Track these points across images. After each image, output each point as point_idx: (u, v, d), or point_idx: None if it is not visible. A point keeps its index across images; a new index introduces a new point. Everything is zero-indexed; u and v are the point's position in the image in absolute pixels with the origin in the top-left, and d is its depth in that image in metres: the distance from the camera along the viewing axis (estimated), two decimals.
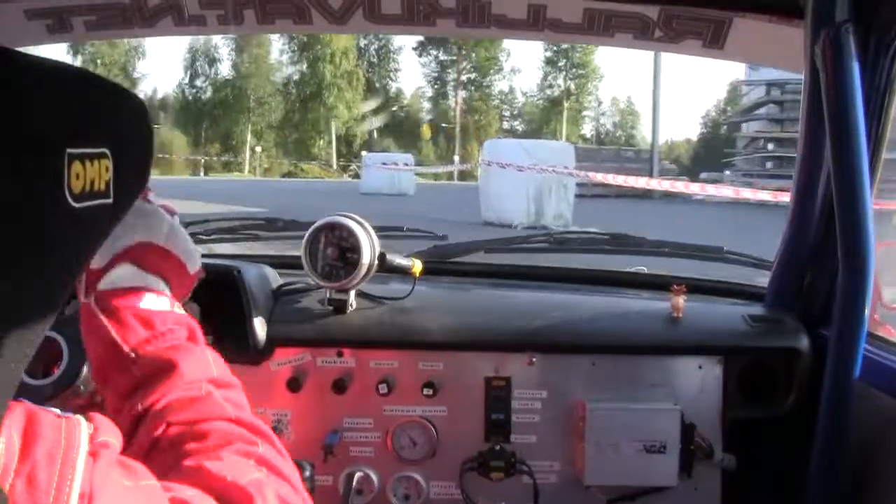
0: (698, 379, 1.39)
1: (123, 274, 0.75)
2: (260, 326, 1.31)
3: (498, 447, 1.36)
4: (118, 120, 0.53)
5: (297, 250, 1.35)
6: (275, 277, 1.43)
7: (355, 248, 1.31)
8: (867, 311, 1.19)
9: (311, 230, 1.34)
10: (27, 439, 0.48)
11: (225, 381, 0.78)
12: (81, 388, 0.93)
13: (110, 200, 0.50)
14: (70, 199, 0.46)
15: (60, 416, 0.51)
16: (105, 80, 0.53)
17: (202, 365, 0.76)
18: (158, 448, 0.68)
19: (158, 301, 0.77)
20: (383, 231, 1.47)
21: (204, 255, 1.49)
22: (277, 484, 0.66)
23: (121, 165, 0.51)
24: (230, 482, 0.61)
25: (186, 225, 1.64)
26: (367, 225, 1.34)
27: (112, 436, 0.53)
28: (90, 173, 0.47)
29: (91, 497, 0.48)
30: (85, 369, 0.93)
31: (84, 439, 0.50)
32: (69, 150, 0.46)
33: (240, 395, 0.78)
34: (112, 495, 0.50)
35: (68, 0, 1.43)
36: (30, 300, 0.46)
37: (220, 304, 1.30)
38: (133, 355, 0.73)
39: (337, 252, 1.32)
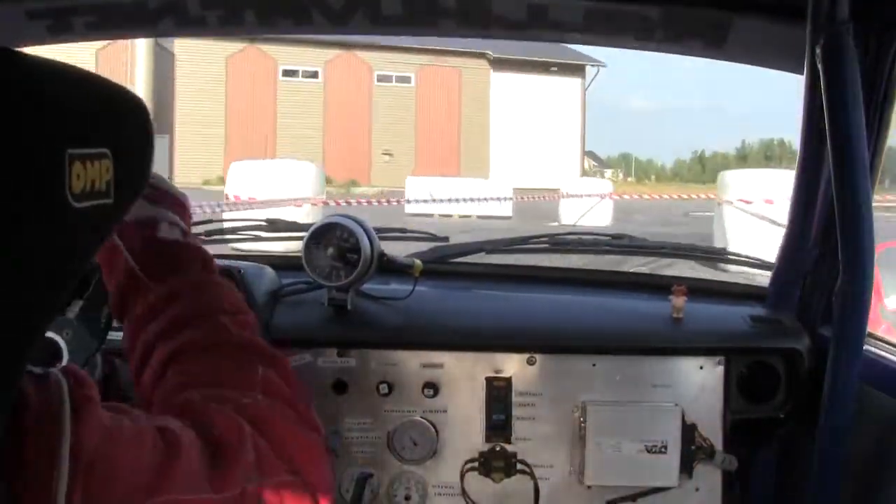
0: (699, 379, 1.39)
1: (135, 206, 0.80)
2: (260, 327, 1.31)
3: (498, 447, 1.36)
4: (119, 121, 0.54)
5: (298, 251, 1.35)
6: (275, 278, 1.43)
7: (355, 248, 1.31)
8: (868, 312, 1.19)
9: (311, 230, 1.34)
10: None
11: (236, 309, 0.84)
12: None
13: (111, 201, 0.51)
14: (71, 199, 0.46)
15: (38, 373, 0.53)
16: (106, 80, 0.53)
17: (215, 296, 0.82)
18: (163, 382, 0.74)
19: (171, 231, 0.83)
20: (384, 232, 1.47)
21: None
22: (276, 408, 0.71)
23: (121, 166, 0.51)
24: (215, 412, 0.67)
25: None
26: (367, 225, 1.34)
27: (90, 388, 0.56)
28: (91, 173, 0.48)
29: (80, 450, 0.51)
30: (83, 368, 0.92)
31: (66, 395, 0.53)
32: (70, 151, 0.46)
33: (250, 319, 0.85)
34: (102, 441, 0.54)
35: (69, 0, 1.42)
36: (29, 299, 0.47)
37: None
38: (150, 284, 0.79)
39: (337, 252, 1.32)
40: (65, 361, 0.91)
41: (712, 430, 1.39)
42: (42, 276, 0.47)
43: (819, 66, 1.20)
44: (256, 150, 20.30)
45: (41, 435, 0.51)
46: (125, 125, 0.55)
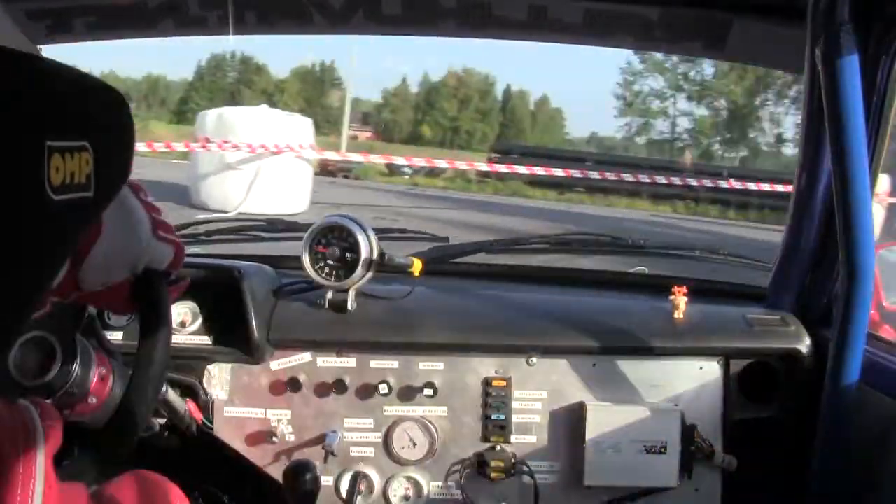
0: (699, 380, 1.39)
1: None
2: (260, 326, 1.31)
3: (498, 447, 1.36)
4: (98, 114, 0.53)
5: (298, 251, 1.35)
6: (275, 278, 1.43)
7: (355, 248, 1.32)
8: (868, 312, 1.19)
9: (311, 230, 1.34)
10: None
11: None
12: (75, 389, 0.92)
13: (91, 193, 0.50)
14: (50, 192, 0.46)
15: (6, 401, 0.53)
16: (85, 74, 0.53)
17: None
18: None
19: None
20: (384, 232, 1.47)
21: (205, 256, 1.50)
22: None
23: (102, 159, 0.51)
24: None
25: (187, 226, 1.65)
26: (366, 225, 1.35)
27: (55, 419, 0.57)
28: (70, 166, 0.48)
29: (53, 475, 0.51)
30: (78, 369, 0.92)
31: (38, 421, 0.53)
32: (48, 143, 0.46)
33: None
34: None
35: (69, 1, 1.43)
36: (9, 291, 0.46)
37: (220, 304, 1.31)
38: None
39: (337, 252, 1.32)
40: (58, 361, 0.91)
41: (712, 430, 1.38)
42: (19, 270, 0.47)
43: (819, 67, 1.20)
44: None
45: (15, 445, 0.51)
46: (105, 118, 0.54)
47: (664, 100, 30.22)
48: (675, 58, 28.99)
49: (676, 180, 14.13)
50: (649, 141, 30.84)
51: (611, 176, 11.82)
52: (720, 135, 29.54)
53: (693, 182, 15.26)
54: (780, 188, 10.77)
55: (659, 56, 29.58)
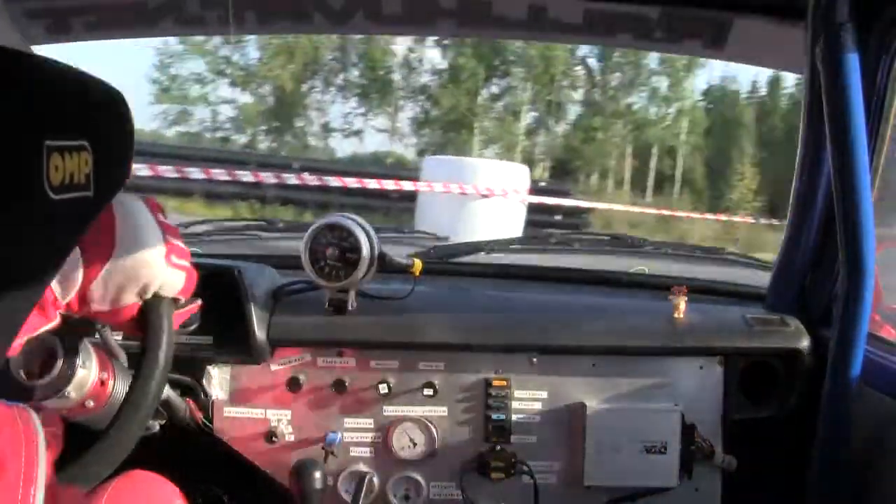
0: (699, 380, 1.39)
1: None
2: (260, 326, 1.31)
3: (498, 447, 1.36)
4: (98, 114, 0.53)
5: (298, 251, 1.35)
6: (275, 277, 1.43)
7: (355, 248, 1.31)
8: (868, 312, 1.19)
9: (311, 230, 1.34)
10: None
11: None
12: (73, 392, 0.92)
13: (90, 193, 0.50)
14: (49, 191, 0.46)
15: (10, 405, 0.53)
16: (84, 73, 0.53)
17: None
18: None
19: None
20: (384, 232, 1.47)
21: (205, 255, 1.50)
22: None
23: (101, 159, 0.51)
24: None
25: (188, 226, 1.65)
26: (366, 225, 1.34)
27: (57, 425, 0.56)
28: (69, 166, 0.47)
29: (54, 482, 0.51)
30: (79, 371, 0.92)
31: (40, 428, 0.53)
32: (47, 143, 0.46)
33: None
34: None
35: (69, 0, 1.43)
36: (7, 290, 0.46)
37: (220, 303, 1.30)
38: None
39: (337, 252, 1.32)
40: (60, 360, 0.90)
41: (712, 430, 1.39)
42: (20, 266, 0.47)
43: (819, 67, 1.20)
44: None
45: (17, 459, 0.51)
46: (104, 118, 0.54)
47: (205, 85, 25.41)
48: (216, 39, 23.37)
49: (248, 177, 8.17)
50: (182, 133, 24.88)
51: (169, 173, 6.09)
52: (266, 123, 25.41)
53: (273, 178, 7.73)
54: (373, 185, 7.70)
55: (198, 37, 26.22)
